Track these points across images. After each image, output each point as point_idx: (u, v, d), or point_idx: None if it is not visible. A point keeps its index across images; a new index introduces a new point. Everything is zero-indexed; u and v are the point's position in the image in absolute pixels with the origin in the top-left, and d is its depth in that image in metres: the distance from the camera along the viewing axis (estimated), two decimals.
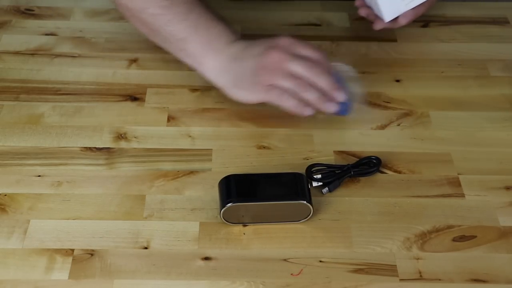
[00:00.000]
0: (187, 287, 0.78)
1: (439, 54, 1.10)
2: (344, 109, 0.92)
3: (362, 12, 1.05)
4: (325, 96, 0.90)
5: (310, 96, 0.90)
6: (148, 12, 0.93)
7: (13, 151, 0.92)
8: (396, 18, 1.03)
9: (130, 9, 0.95)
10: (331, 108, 0.91)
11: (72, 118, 0.96)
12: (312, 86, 0.90)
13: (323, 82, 0.90)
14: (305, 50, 0.92)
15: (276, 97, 0.90)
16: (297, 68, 0.90)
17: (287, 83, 0.90)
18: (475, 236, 0.83)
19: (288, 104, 0.90)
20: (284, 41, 0.92)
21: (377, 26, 1.04)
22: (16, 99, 0.99)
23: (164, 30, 0.94)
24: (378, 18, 1.03)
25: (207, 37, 0.94)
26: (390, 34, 1.12)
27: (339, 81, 0.93)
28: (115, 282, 0.78)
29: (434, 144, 0.94)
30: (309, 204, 0.82)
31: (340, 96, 0.91)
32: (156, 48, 1.08)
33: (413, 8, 1.01)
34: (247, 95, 0.92)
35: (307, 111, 0.91)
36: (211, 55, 0.93)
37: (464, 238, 0.83)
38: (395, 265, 0.80)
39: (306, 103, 0.91)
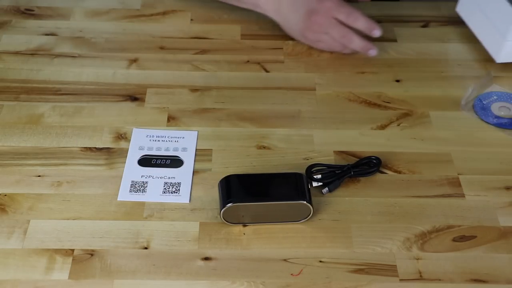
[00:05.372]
0: (187, 287, 0.78)
1: (439, 54, 1.10)
2: None
3: None
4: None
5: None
6: None
7: (13, 151, 0.92)
8: None
9: None
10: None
11: (72, 118, 0.96)
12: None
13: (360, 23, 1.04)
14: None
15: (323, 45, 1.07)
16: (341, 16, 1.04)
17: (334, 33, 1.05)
18: (475, 236, 0.83)
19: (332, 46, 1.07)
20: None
21: None
22: (16, 99, 0.99)
23: None
24: None
25: None
26: (390, 34, 1.12)
27: None
28: (115, 282, 0.78)
29: (434, 144, 0.94)
30: (309, 204, 0.82)
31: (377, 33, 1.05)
32: (156, 48, 1.09)
33: None
34: (297, 36, 1.09)
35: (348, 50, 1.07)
36: None
37: (464, 238, 0.83)
38: (395, 265, 0.80)
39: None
